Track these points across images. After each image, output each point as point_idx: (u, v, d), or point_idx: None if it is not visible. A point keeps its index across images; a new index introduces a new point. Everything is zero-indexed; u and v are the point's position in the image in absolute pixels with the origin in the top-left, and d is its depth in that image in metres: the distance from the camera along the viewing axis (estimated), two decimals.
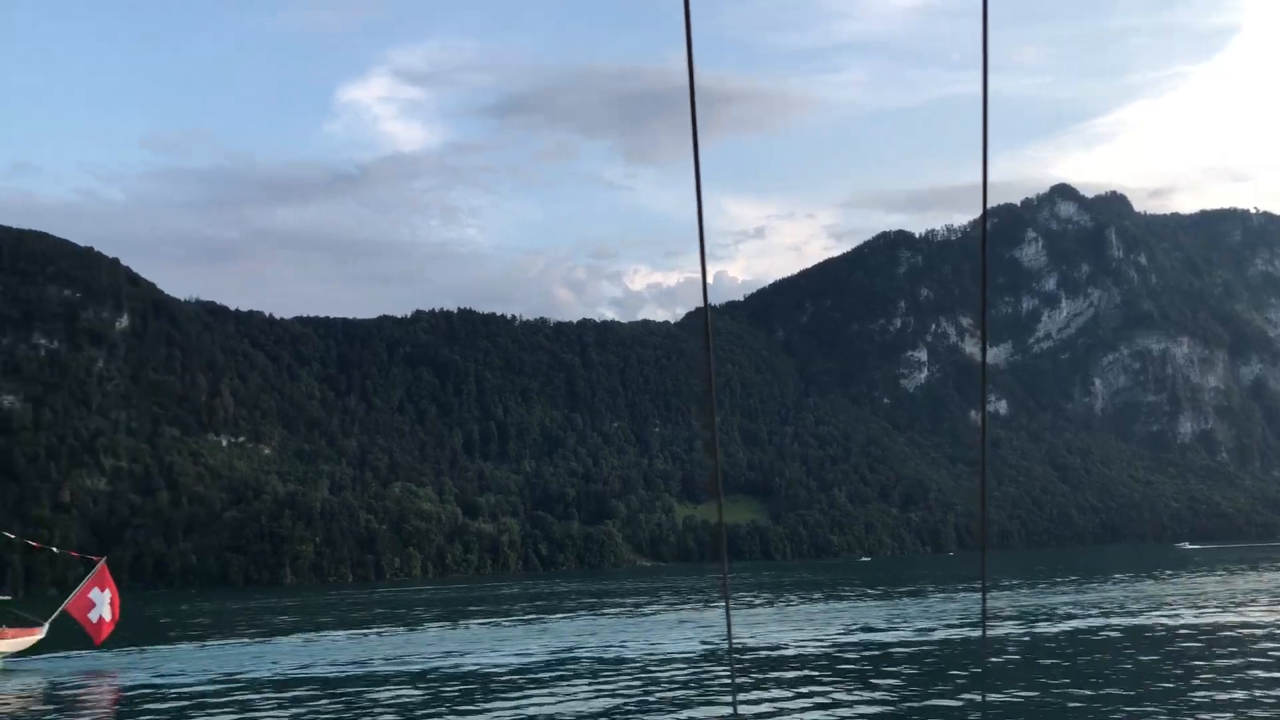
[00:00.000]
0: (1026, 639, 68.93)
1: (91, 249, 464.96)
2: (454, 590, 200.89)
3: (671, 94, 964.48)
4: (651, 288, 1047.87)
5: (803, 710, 42.77)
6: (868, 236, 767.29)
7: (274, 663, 69.03)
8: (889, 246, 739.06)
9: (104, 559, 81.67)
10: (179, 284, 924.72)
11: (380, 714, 45.67)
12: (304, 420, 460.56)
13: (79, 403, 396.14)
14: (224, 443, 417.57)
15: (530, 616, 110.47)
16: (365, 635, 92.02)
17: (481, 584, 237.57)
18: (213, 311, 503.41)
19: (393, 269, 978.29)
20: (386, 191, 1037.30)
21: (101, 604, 76.64)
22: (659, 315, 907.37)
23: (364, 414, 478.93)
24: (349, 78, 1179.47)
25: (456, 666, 63.08)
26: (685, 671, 57.26)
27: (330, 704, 49.14)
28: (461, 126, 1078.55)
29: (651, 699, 46.90)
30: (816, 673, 54.82)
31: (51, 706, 53.27)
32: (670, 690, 49.63)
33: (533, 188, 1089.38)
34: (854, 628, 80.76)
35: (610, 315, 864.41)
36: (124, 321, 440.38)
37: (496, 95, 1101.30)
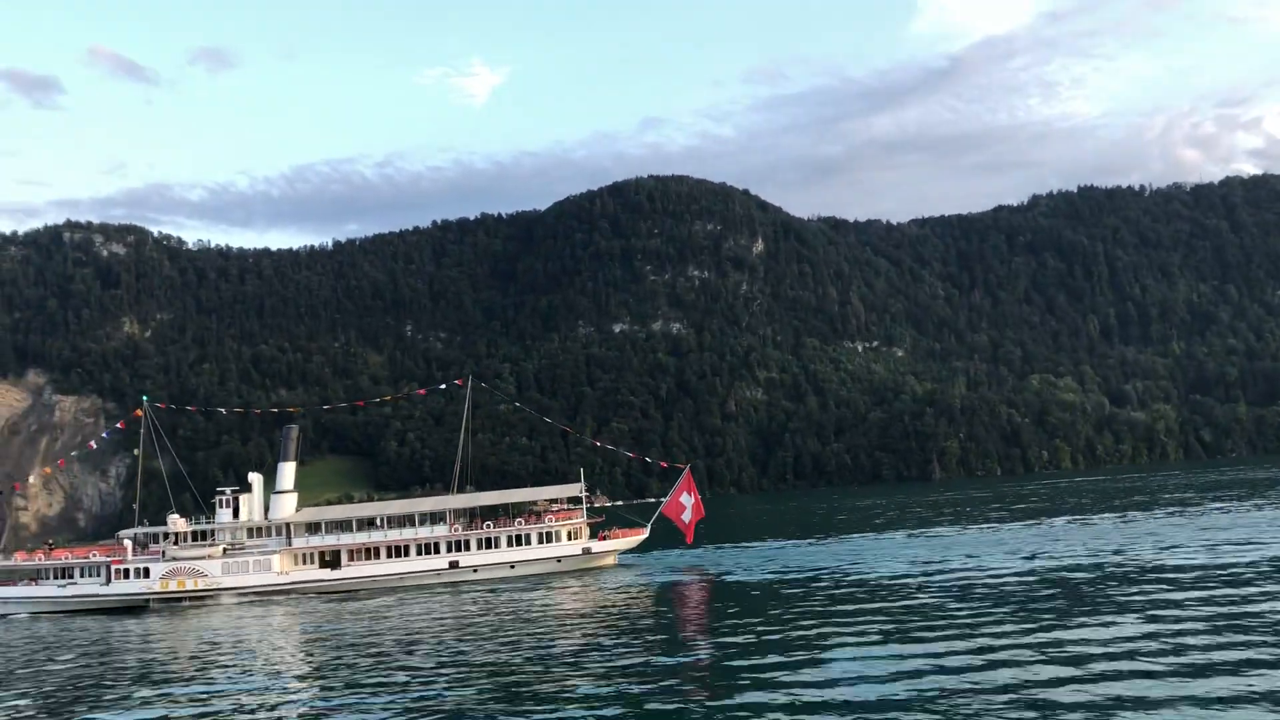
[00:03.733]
0: None
1: (725, 184, 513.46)
2: (1115, 481, 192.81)
3: None
4: None
5: None
6: None
7: (860, 558, 70.06)
8: None
9: (689, 466, 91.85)
10: (799, 204, 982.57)
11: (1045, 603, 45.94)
12: (931, 320, 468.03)
13: (731, 323, 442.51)
14: (859, 348, 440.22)
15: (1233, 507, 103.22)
16: (991, 529, 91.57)
17: (1140, 474, 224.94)
18: (834, 225, 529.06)
19: (997, 157, 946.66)
20: (980, 79, 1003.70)
21: (689, 507, 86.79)
22: None
23: (990, 308, 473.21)
24: None
25: (1146, 559, 61.01)
26: None
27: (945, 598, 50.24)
28: None
29: None
30: None
31: (653, 593, 61.71)
32: None
33: (1143, 42, 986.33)
34: None
35: (1252, 169, 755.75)
36: (759, 246, 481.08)
37: None
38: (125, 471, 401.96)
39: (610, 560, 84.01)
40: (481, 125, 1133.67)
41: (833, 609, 46.15)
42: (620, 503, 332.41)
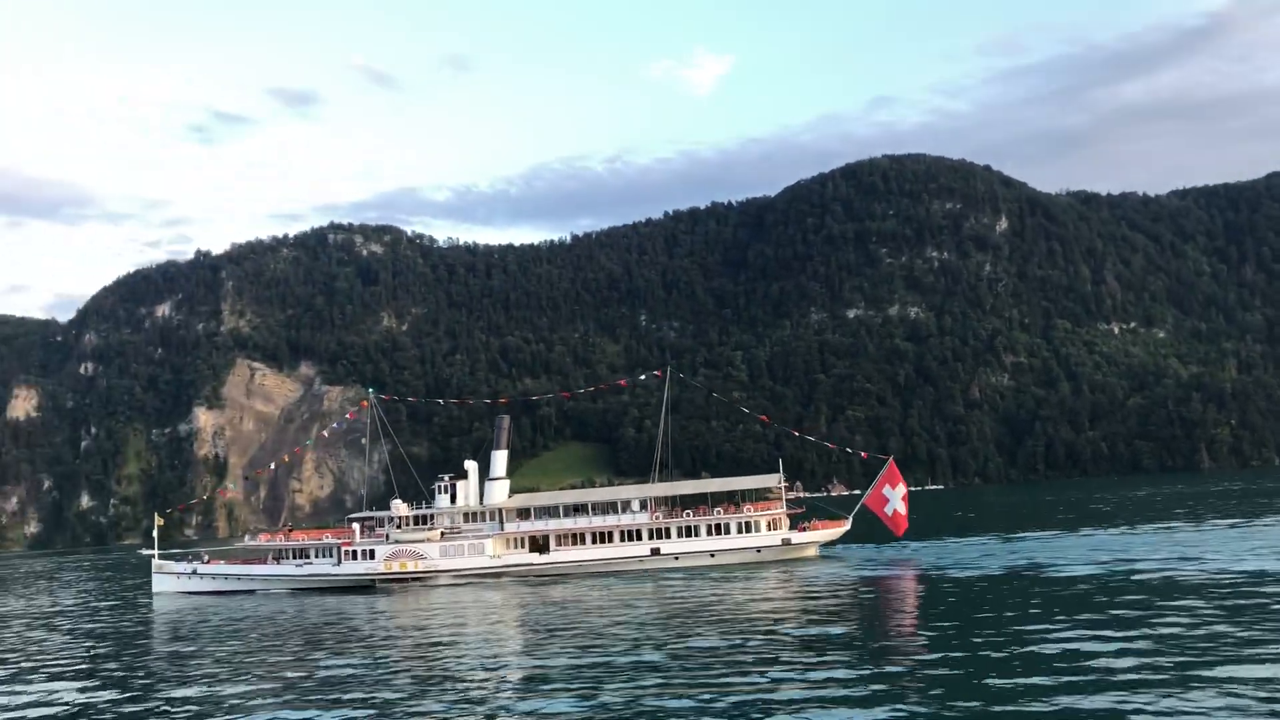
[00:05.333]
0: None
1: (964, 160, 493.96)
2: None
3: None
4: None
5: None
6: None
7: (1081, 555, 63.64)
8: None
9: (890, 457, 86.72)
10: (1044, 179, 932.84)
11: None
12: (1196, 298, 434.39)
13: (974, 306, 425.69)
14: (1116, 330, 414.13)
15: None
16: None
17: None
18: (1085, 200, 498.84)
19: (1268, 120, 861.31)
20: (1245, 35, 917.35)
21: (894, 499, 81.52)
22: None
23: (1264, 284, 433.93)
24: None
25: None
26: None
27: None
28: None
29: None
30: None
31: (854, 586, 58.85)
32: None
33: None
34: None
35: None
36: (1003, 224, 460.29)
37: None
38: (386, 457, 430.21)
39: (811, 552, 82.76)
40: (706, 115, 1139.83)
41: (1062, 609, 42.74)
42: (939, 486, 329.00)
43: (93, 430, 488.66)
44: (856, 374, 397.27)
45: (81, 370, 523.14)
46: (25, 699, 37.76)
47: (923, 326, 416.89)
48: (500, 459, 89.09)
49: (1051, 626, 38.13)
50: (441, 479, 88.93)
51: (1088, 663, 31.36)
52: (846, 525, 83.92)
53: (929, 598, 51.36)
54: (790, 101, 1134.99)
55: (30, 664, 47.76)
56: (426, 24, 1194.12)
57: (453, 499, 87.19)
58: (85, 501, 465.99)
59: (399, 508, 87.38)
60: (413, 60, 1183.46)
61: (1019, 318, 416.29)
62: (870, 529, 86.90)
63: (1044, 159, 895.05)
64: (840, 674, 32.23)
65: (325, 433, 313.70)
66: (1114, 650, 32.82)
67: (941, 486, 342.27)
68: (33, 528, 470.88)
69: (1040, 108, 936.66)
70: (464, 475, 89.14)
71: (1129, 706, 25.97)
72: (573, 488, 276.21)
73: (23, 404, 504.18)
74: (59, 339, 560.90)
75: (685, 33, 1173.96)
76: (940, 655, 34.48)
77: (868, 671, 32.42)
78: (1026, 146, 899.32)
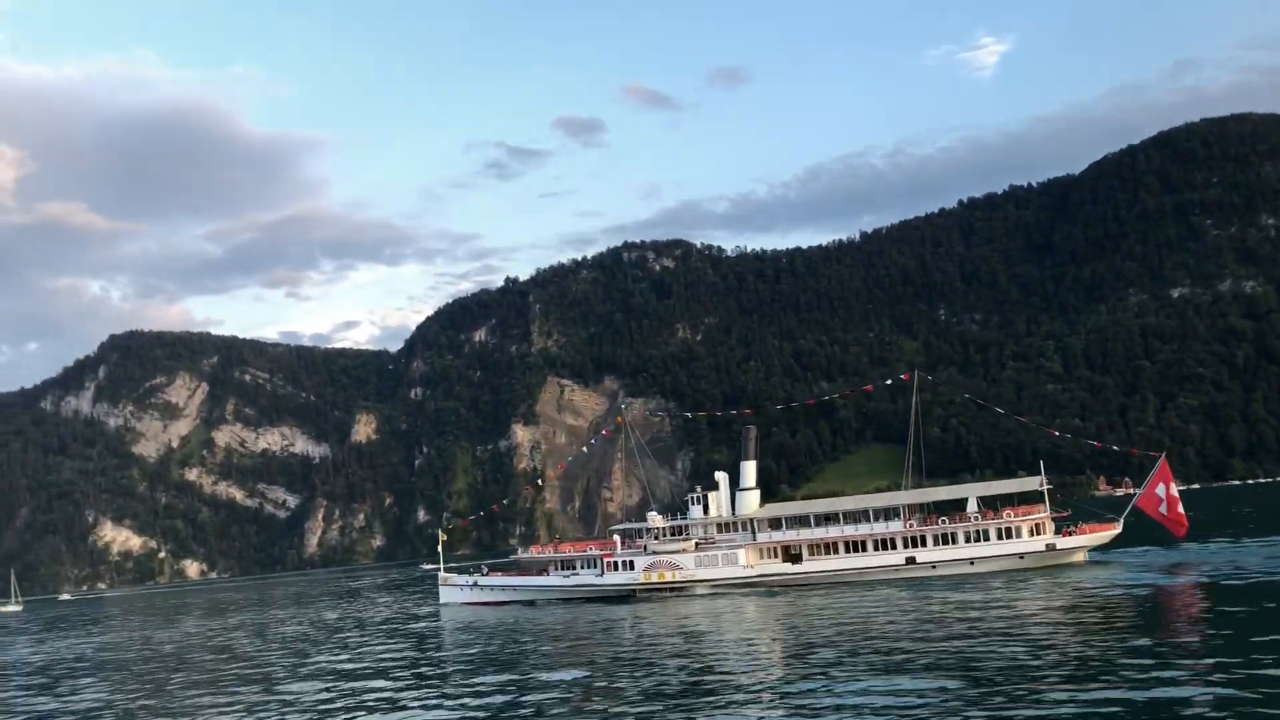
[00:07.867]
0: None
1: None
2: None
3: None
4: None
5: None
6: None
7: None
8: None
9: (1163, 454, 77.83)
10: None
11: None
12: None
13: None
14: None
15: None
16: None
17: None
18: None
19: None
20: None
21: (1165, 499, 73.59)
22: None
23: None
24: None
25: None
26: None
27: None
28: None
29: None
30: None
31: (1129, 595, 53.15)
32: None
33: None
34: None
35: None
36: None
37: None
38: (689, 465, 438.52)
39: (1079, 557, 76.58)
40: (989, 97, 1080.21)
41: None
42: (1109, 491, 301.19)
43: (424, 449, 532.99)
44: (1186, 358, 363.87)
45: (412, 395, 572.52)
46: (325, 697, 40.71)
47: (1261, 301, 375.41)
48: (749, 469, 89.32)
49: None
50: (694, 490, 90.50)
51: None
52: (1117, 528, 78.00)
53: (1211, 607, 46.17)
54: (1079, 75, 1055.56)
55: (337, 664, 51.82)
56: (697, 41, 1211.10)
57: (705, 510, 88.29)
58: (421, 516, 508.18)
59: (655, 519, 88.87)
60: (686, 78, 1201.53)
61: None
62: (1151, 532, 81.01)
63: None
64: (1115, 693, 29.10)
65: (585, 448, 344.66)
66: None
67: None
68: (378, 541, 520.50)
69: None
70: (715, 486, 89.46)
71: None
72: (877, 490, 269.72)
73: (364, 428, 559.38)
74: (391, 367, 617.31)
75: (964, 15, 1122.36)
76: (1224, 674, 30.23)
77: (1144, 690, 29.10)
78: None
